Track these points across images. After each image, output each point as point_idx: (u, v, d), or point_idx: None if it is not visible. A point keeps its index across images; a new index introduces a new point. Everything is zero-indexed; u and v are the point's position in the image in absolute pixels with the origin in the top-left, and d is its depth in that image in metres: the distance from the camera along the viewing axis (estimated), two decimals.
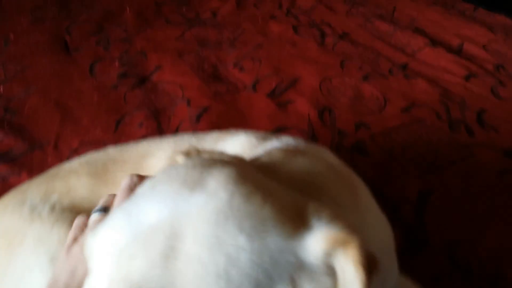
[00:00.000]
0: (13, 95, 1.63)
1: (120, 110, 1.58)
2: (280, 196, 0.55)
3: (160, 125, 1.53)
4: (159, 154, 0.99)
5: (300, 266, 0.51)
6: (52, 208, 0.90)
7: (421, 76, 1.80)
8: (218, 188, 0.52)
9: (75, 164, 1.02)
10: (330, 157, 0.84)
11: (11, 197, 0.96)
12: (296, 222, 0.52)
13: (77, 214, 0.90)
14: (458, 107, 1.63)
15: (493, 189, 1.31)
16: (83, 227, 0.71)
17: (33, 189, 0.96)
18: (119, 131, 1.48)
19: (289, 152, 0.76)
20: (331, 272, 0.51)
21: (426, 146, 1.45)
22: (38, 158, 1.36)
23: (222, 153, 0.68)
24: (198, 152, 0.66)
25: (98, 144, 1.19)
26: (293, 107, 1.65)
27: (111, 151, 1.04)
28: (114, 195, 0.70)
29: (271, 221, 0.51)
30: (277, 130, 1.51)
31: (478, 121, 1.57)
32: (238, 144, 0.92)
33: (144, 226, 0.50)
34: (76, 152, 1.37)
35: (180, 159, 0.64)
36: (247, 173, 0.57)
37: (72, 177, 0.96)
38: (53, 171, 1.02)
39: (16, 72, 1.76)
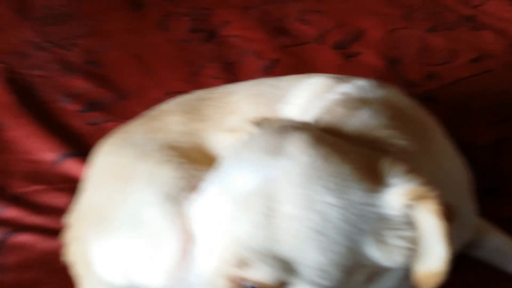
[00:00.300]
0: (93, 49, 1.72)
1: (195, 62, 1.65)
2: (353, 154, 0.61)
3: (233, 76, 1.59)
4: (241, 92, 1.06)
5: (382, 219, 0.58)
6: (159, 147, 0.98)
7: (488, 28, 1.79)
8: (299, 153, 0.58)
9: (169, 105, 1.11)
10: (400, 100, 0.86)
11: (117, 137, 1.05)
12: (373, 178, 0.59)
13: (178, 149, 0.99)
14: None
15: None
16: None
17: (136, 130, 1.05)
18: (196, 82, 1.56)
19: (351, 105, 0.78)
20: (411, 225, 0.58)
21: (497, 96, 1.47)
22: (125, 106, 1.45)
23: (291, 120, 0.74)
24: (268, 121, 0.72)
25: (179, 94, 1.26)
26: (360, 58, 1.68)
27: (199, 93, 1.13)
28: None
29: (351, 178, 0.58)
30: None
31: None
32: (314, 84, 0.96)
33: (241, 192, 0.57)
34: (159, 101, 1.44)
35: (254, 129, 0.70)
36: (321, 137, 0.63)
37: (169, 116, 1.05)
38: (150, 113, 1.11)
39: (92, 27, 1.85)
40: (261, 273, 0.54)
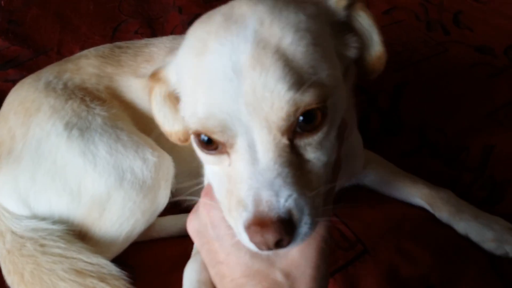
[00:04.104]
0: (14, 8, 1.71)
1: (116, 18, 1.66)
2: None
3: (154, 31, 1.62)
4: (159, 45, 1.11)
5: (335, 24, 0.66)
6: (65, 85, 1.03)
7: None
8: (252, 8, 0.60)
9: (84, 52, 1.15)
10: None
11: (30, 76, 1.10)
12: None
13: (87, 89, 1.03)
14: (436, 9, 1.71)
15: (463, 79, 1.43)
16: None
17: (47, 70, 1.10)
18: (116, 38, 1.58)
19: None
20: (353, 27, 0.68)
21: (403, 45, 1.56)
22: (43, 63, 1.46)
23: None
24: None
25: None
26: None
27: (117, 43, 1.16)
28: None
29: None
30: None
31: (454, 21, 1.66)
32: None
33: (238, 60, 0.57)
34: None
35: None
36: None
37: (82, 59, 1.10)
38: (65, 59, 1.15)
39: None
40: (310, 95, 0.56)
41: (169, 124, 0.73)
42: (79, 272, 0.87)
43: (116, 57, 1.10)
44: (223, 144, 0.59)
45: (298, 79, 0.55)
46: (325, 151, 0.60)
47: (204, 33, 0.60)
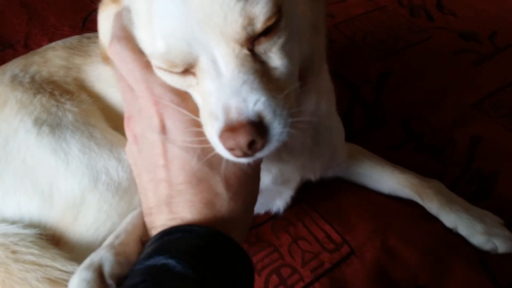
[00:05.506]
0: None
1: (86, 8, 1.58)
2: None
3: None
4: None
5: None
6: (33, 78, 0.96)
7: None
8: None
9: (52, 44, 1.08)
10: None
11: None
12: None
13: (55, 82, 0.97)
14: None
15: (448, 67, 1.39)
16: None
17: (12, 63, 1.03)
18: (87, 29, 1.50)
19: None
20: None
21: (387, 32, 1.51)
22: (10, 57, 1.37)
23: None
24: None
25: None
26: None
27: (86, 34, 1.10)
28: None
29: None
30: None
31: (437, 6, 1.62)
32: None
33: None
34: None
35: None
36: None
37: (49, 51, 1.03)
38: (31, 52, 1.08)
39: None
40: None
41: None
42: (53, 281, 0.81)
43: (84, 48, 1.04)
44: (187, 67, 0.60)
45: None
46: (289, 57, 0.60)
47: None
